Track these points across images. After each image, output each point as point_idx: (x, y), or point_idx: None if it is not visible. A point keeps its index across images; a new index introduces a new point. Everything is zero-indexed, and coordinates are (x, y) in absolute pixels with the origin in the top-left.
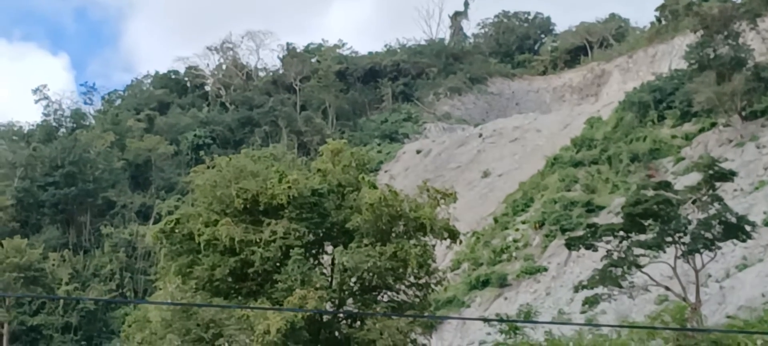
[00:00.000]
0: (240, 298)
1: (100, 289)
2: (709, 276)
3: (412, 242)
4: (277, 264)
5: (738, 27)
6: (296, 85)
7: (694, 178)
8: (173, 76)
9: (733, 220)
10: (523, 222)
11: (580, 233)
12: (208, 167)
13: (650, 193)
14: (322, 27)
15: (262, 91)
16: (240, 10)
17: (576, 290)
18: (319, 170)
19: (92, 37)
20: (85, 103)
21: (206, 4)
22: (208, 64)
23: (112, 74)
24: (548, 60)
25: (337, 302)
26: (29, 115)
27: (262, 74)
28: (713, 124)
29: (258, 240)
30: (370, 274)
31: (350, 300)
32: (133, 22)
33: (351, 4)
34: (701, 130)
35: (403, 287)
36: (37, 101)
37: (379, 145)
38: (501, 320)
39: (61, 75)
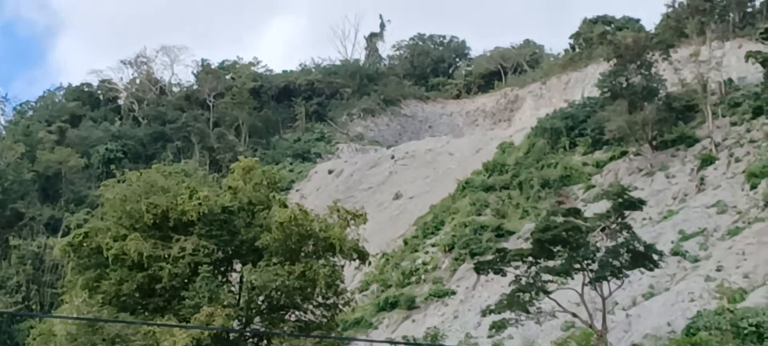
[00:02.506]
0: (147, 314)
1: (6, 301)
2: (616, 304)
3: (321, 262)
4: (185, 281)
5: (651, 57)
6: (210, 101)
7: (604, 205)
8: (86, 89)
9: (641, 248)
10: (433, 245)
11: (489, 257)
12: (119, 181)
13: (560, 219)
14: (241, 44)
15: (175, 107)
16: (161, 26)
17: (483, 314)
18: (230, 188)
19: (19, 53)
20: None
21: (130, 20)
22: (121, 78)
23: (37, 91)
24: (462, 84)
25: (244, 320)
26: None
27: (175, 89)
28: (624, 153)
29: (166, 256)
30: (278, 293)
31: (257, 319)
32: (60, 39)
33: (269, 22)
34: (612, 159)
35: (310, 306)
36: None
37: (291, 164)
38: (407, 343)
39: None
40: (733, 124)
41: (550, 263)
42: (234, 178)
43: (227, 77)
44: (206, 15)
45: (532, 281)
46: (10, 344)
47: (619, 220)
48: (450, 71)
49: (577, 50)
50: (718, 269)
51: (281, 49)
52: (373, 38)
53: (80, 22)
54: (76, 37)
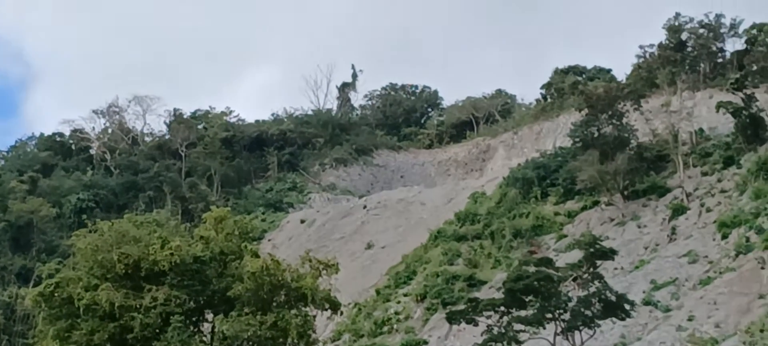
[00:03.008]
0: None
1: None
2: None
3: (293, 312)
4: (157, 331)
5: (622, 107)
6: (182, 151)
7: (576, 255)
8: (58, 139)
9: (613, 298)
10: (405, 295)
11: (461, 307)
12: (90, 231)
13: (532, 269)
14: (215, 94)
15: (147, 156)
16: (134, 76)
17: None
18: (202, 237)
19: None
20: None
21: (104, 71)
22: (93, 128)
23: (9, 141)
24: (434, 134)
25: None
26: None
27: (148, 139)
28: (596, 203)
29: (138, 306)
30: (250, 343)
31: None
32: (34, 90)
33: (243, 72)
34: (584, 208)
35: None
36: None
37: (263, 213)
38: None
39: None
40: (705, 174)
41: (523, 313)
42: (206, 228)
43: (199, 127)
44: (180, 65)
45: (504, 331)
46: None
47: (591, 270)
48: (422, 121)
49: (549, 100)
50: (690, 319)
51: (256, 98)
52: (345, 88)
53: (54, 74)
54: (49, 88)
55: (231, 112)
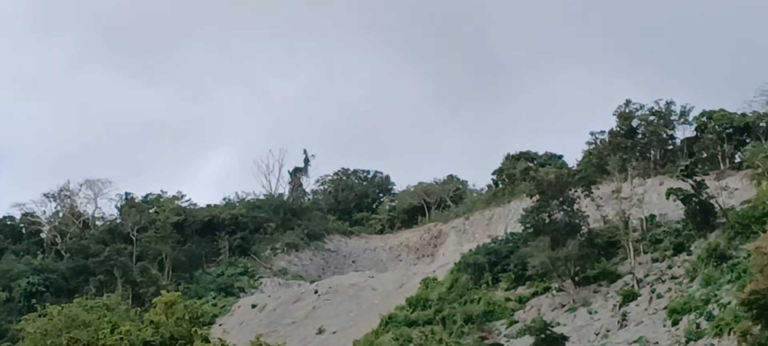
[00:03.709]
0: None
1: None
2: None
3: None
4: None
5: (573, 193)
6: (133, 235)
7: (527, 341)
8: (9, 223)
9: None
10: None
11: None
12: (40, 315)
13: None
14: (168, 178)
15: (98, 240)
16: (87, 160)
17: None
18: (152, 322)
19: None
20: None
21: (55, 155)
22: (44, 211)
23: None
24: (386, 219)
25: None
26: None
27: (99, 223)
28: (547, 289)
29: None
30: None
31: None
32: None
33: (197, 157)
34: (535, 294)
35: None
36: None
37: (214, 298)
38: None
39: None
40: (655, 260)
41: None
42: (156, 312)
43: (151, 211)
44: (134, 148)
45: None
46: None
47: None
48: (374, 206)
49: (500, 186)
50: None
51: (211, 183)
52: (297, 173)
53: (4, 157)
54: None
55: (182, 196)
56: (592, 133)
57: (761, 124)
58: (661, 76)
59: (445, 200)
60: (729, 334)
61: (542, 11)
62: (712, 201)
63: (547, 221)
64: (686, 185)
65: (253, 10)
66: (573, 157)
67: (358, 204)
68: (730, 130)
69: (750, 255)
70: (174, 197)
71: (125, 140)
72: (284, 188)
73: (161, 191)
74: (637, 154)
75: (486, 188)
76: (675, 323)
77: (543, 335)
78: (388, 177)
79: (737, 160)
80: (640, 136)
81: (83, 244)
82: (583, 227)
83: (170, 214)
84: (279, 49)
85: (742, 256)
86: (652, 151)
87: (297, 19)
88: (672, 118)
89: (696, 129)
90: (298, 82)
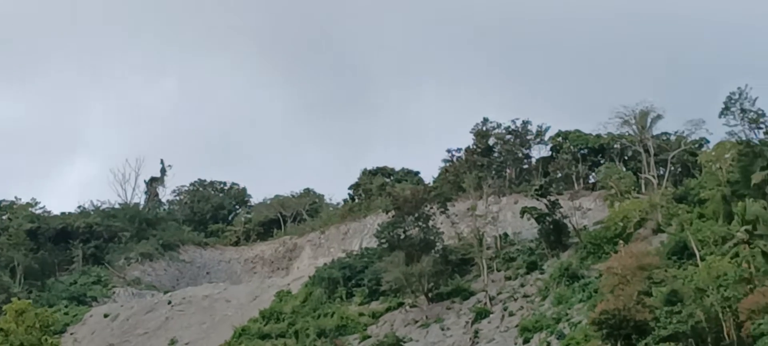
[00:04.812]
0: None
1: None
2: None
3: None
4: None
5: (429, 210)
6: None
7: None
8: None
9: None
10: None
11: None
12: None
13: None
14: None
15: None
16: None
17: None
18: (1, 329)
19: None
20: None
21: None
22: None
23: None
24: (242, 231)
25: None
26: None
27: None
28: (400, 304)
29: None
30: None
31: None
32: None
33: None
34: (388, 309)
35: None
36: None
37: (66, 307)
38: None
39: None
40: (508, 278)
41: None
42: (6, 320)
43: (4, 217)
44: None
45: None
46: None
47: None
48: (230, 218)
49: (357, 201)
50: None
51: (71, 191)
52: (153, 182)
53: None
54: None
55: (37, 203)
56: (448, 151)
57: (615, 146)
58: (523, 95)
59: (301, 213)
60: None
61: (411, 25)
62: (566, 221)
63: (402, 236)
64: (541, 204)
65: (115, 13)
66: (430, 174)
67: (214, 215)
68: (585, 150)
69: (601, 275)
70: (28, 203)
71: None
72: (140, 198)
73: (15, 197)
74: (493, 172)
75: (342, 203)
76: (526, 341)
77: None
78: (244, 189)
79: (591, 180)
80: (496, 154)
81: None
82: (437, 244)
83: (24, 221)
84: (141, 55)
85: (594, 276)
86: (508, 170)
87: (163, 24)
88: (528, 137)
89: (551, 149)
90: (160, 89)
